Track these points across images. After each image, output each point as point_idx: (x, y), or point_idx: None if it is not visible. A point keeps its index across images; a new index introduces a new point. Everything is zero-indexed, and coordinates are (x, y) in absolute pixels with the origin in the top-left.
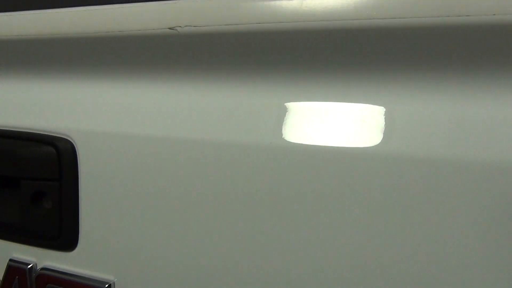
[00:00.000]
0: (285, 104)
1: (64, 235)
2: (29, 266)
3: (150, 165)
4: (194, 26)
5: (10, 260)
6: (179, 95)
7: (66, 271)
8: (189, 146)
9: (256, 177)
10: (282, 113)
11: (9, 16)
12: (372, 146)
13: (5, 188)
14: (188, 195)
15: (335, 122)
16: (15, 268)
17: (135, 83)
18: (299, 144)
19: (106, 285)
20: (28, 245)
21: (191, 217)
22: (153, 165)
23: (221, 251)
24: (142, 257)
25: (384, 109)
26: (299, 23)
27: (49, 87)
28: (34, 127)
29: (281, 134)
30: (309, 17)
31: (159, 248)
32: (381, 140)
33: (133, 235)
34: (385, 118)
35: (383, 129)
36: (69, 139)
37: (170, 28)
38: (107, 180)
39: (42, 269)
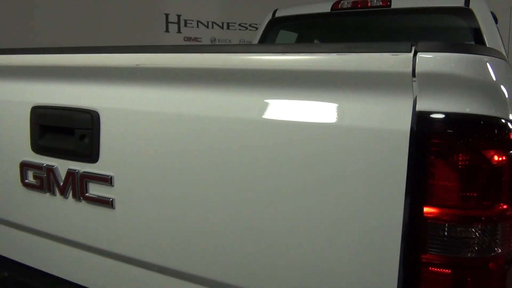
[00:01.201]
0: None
1: (93, 155)
2: (77, 171)
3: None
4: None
5: (69, 169)
6: None
7: (93, 172)
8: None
9: None
10: None
11: None
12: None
13: (67, 133)
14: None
15: None
16: (71, 173)
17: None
18: None
19: (109, 177)
20: (76, 161)
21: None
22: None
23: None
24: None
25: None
26: None
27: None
28: (83, 105)
29: None
30: None
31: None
32: None
33: (127, 159)
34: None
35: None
36: (97, 110)
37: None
38: (115, 130)
39: (83, 172)
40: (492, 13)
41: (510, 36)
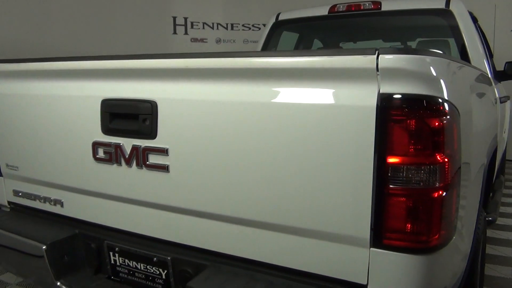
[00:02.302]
0: None
1: (152, 133)
2: (140, 146)
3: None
4: None
5: (133, 145)
6: None
7: (152, 146)
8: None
9: None
10: None
11: None
12: None
13: (133, 118)
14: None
15: None
16: (135, 147)
17: None
18: None
19: (165, 149)
20: (137, 138)
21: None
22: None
23: None
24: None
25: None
26: None
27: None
28: (143, 97)
29: None
30: None
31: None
32: None
33: (178, 135)
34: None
35: None
36: (155, 100)
37: None
38: (169, 115)
39: (145, 146)
40: (470, 13)
41: (495, 32)
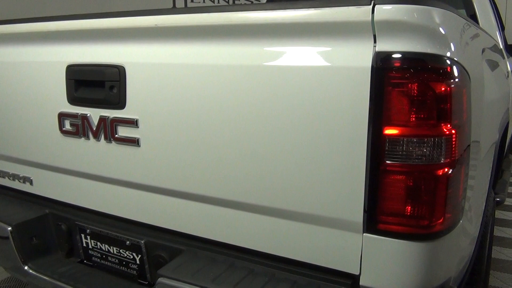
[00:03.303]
0: None
1: (120, 102)
2: (108, 117)
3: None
4: None
5: (100, 115)
6: None
7: (120, 117)
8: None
9: None
10: None
11: None
12: None
13: (99, 85)
14: None
15: None
16: (103, 119)
17: None
18: None
19: (135, 120)
20: (105, 108)
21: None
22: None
23: None
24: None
25: None
26: None
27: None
28: (109, 61)
29: None
30: None
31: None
32: None
33: (149, 104)
34: None
35: None
36: (122, 65)
37: None
38: (136, 82)
39: (113, 117)
40: None
41: (507, 5)
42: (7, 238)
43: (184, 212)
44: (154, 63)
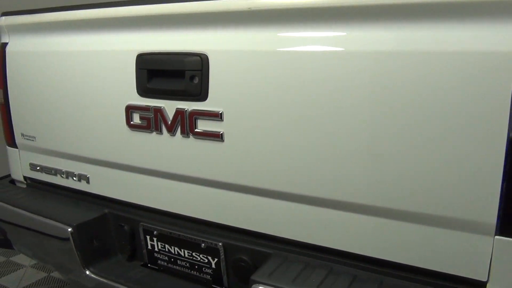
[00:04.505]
0: None
1: (202, 94)
2: (186, 110)
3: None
4: None
5: (177, 108)
6: None
7: (202, 109)
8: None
9: None
10: None
11: None
12: None
13: (177, 76)
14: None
15: None
16: (180, 112)
17: None
18: None
19: (219, 113)
20: (183, 100)
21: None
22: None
23: None
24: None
25: None
26: None
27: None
28: (194, 49)
29: None
30: None
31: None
32: None
33: (235, 96)
34: None
35: None
36: (205, 53)
37: None
38: (221, 72)
39: (193, 110)
40: None
41: None
42: (68, 239)
43: (273, 213)
44: (242, 51)
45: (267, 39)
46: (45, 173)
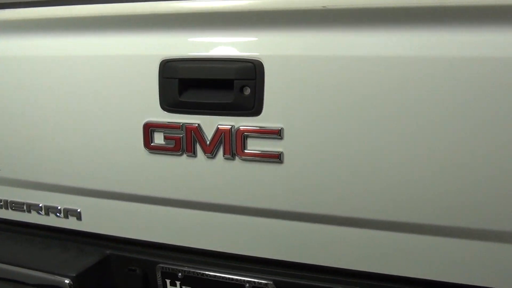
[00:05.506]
0: None
1: (256, 107)
2: (232, 127)
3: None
4: None
5: (219, 125)
6: None
7: (255, 126)
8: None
9: None
10: None
11: None
12: None
13: (220, 86)
14: None
15: None
16: (224, 129)
17: None
18: None
19: (278, 129)
20: (227, 116)
21: None
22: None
23: None
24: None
25: None
26: None
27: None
28: (244, 55)
29: None
30: None
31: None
32: None
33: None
34: None
35: None
36: (259, 59)
37: None
38: (279, 82)
39: (241, 126)
40: None
41: None
42: None
43: (343, 242)
44: (306, 56)
45: (342, 42)
46: (12, 209)
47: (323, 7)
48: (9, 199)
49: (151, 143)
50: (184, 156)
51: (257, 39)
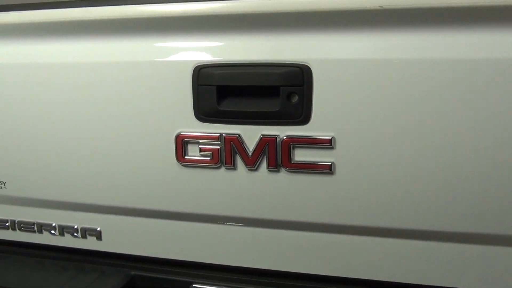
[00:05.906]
0: None
1: (304, 116)
2: (277, 136)
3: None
4: None
5: (262, 135)
6: None
7: (303, 135)
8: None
9: None
10: None
11: None
12: None
13: (265, 94)
14: None
15: None
16: (268, 139)
17: None
18: None
19: (329, 139)
20: (276, 125)
21: None
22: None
23: None
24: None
25: None
26: None
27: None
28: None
29: None
30: None
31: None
32: None
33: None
34: None
35: None
36: (308, 64)
37: None
38: (329, 88)
39: (288, 136)
40: None
41: None
42: None
43: (409, 256)
44: (356, 60)
45: (397, 44)
46: (20, 230)
47: (380, 7)
48: (17, 219)
49: (185, 156)
50: (223, 169)
51: (303, 42)
